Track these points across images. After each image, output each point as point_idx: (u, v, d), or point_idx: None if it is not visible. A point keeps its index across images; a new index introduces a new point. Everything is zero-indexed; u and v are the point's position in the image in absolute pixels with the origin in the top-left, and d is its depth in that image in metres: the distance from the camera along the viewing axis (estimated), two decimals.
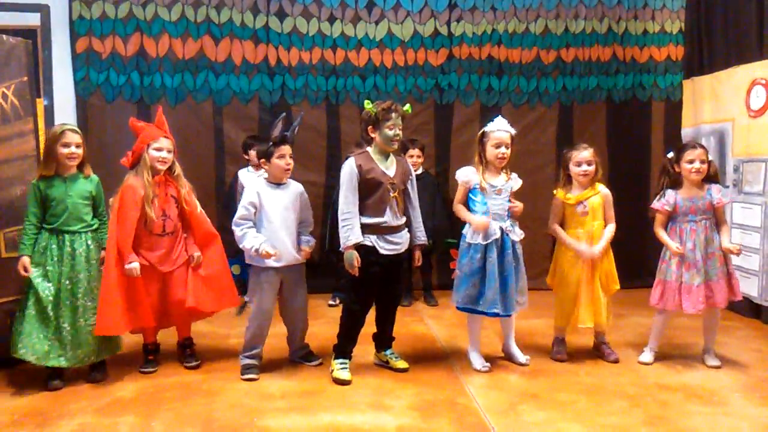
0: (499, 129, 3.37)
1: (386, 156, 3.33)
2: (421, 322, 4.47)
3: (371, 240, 3.26)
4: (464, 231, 3.44)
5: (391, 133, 3.25)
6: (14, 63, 3.51)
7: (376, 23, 5.32)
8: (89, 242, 3.24)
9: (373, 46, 5.33)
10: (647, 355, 3.54)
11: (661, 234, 3.48)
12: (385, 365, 3.51)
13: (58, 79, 5.05)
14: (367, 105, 3.29)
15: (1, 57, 3.44)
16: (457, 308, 3.47)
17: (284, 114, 3.50)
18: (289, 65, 5.27)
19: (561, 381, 3.28)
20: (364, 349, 3.55)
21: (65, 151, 3.14)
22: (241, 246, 3.31)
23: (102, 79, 5.09)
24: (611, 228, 3.49)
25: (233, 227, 3.32)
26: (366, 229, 3.26)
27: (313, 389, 3.17)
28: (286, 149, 3.34)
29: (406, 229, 3.41)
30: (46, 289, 3.13)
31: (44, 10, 4.99)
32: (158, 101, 5.08)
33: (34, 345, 3.10)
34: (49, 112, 5.02)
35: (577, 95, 5.53)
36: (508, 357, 3.59)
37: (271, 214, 3.34)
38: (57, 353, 3.15)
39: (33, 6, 4.95)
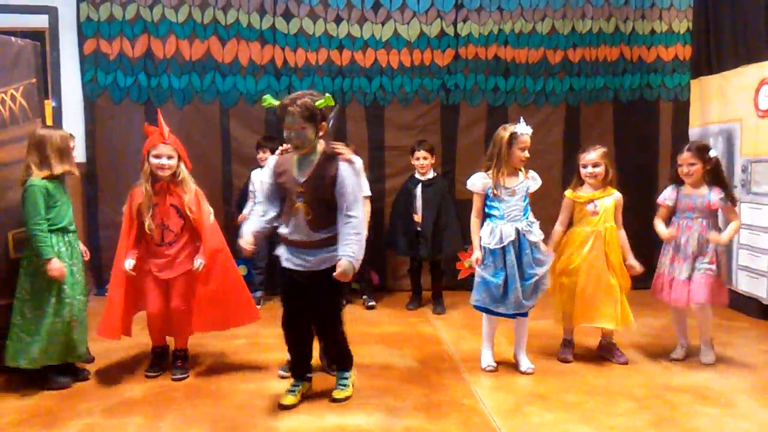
0: (525, 132, 3.32)
1: (304, 157, 2.84)
2: (428, 323, 4.46)
3: (281, 250, 2.94)
4: (481, 233, 3.39)
5: (285, 134, 2.79)
6: (22, 65, 3.52)
7: (383, 24, 5.31)
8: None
9: (379, 47, 5.32)
10: (678, 351, 3.60)
11: (655, 222, 3.60)
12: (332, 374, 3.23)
13: (66, 80, 5.09)
14: (266, 101, 2.82)
15: (10, 59, 3.46)
16: (474, 307, 3.43)
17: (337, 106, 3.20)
18: (295, 66, 5.28)
19: (568, 382, 3.27)
20: (371, 349, 3.55)
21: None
22: None
23: (109, 81, 5.12)
24: (624, 235, 3.53)
25: None
26: (279, 236, 2.94)
27: (320, 390, 3.16)
28: None
29: (329, 248, 2.81)
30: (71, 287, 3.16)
31: (52, 12, 5.02)
32: (165, 102, 5.10)
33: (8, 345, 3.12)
34: (57, 113, 5.06)
35: (584, 95, 5.51)
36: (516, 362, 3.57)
37: None
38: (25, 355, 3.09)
39: (41, 8, 4.98)
